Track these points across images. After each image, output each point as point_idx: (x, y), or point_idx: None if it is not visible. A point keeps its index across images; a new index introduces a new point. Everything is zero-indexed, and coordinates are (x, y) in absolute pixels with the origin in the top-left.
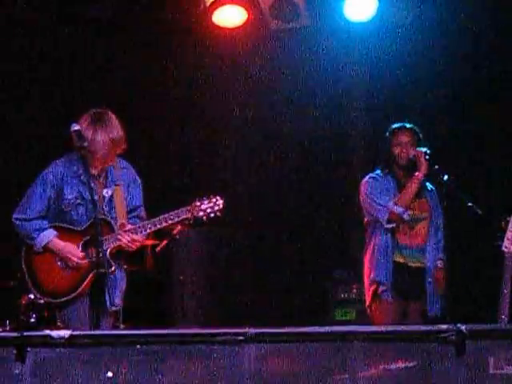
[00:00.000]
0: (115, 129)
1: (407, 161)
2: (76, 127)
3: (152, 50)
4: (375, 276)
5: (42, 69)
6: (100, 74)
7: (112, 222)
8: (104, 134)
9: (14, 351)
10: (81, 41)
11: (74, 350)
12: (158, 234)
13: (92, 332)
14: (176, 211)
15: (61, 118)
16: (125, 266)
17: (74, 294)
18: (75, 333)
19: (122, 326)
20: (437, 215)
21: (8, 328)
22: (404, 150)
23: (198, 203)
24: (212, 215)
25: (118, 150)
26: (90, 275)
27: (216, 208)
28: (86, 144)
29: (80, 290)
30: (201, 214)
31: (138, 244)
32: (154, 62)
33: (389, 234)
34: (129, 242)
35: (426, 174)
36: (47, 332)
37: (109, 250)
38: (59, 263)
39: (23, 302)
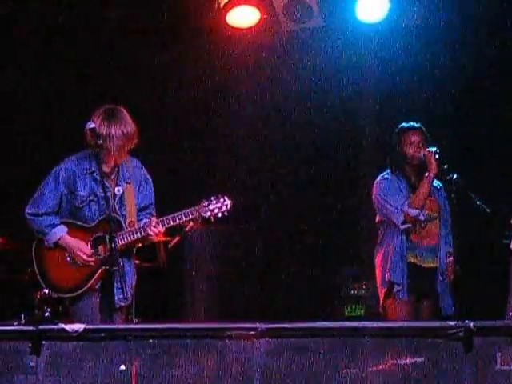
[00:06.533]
0: (128, 123)
1: (419, 160)
2: (91, 125)
3: (166, 49)
4: (390, 276)
5: (53, 67)
6: (113, 73)
7: (121, 219)
8: (118, 129)
9: (30, 344)
10: (94, 41)
11: (88, 343)
12: (170, 231)
13: (105, 326)
14: (184, 211)
15: (73, 115)
16: (137, 262)
17: (82, 290)
18: (89, 327)
19: (135, 320)
20: (446, 213)
21: (23, 322)
22: (416, 150)
23: (206, 203)
24: (219, 215)
25: (131, 144)
26: (99, 271)
27: (224, 208)
28: (100, 142)
29: (88, 285)
30: (208, 213)
31: (158, 237)
32: (167, 62)
33: (404, 235)
34: (156, 233)
35: (436, 173)
36: (62, 326)
37: (118, 247)
38: (69, 259)
39: (38, 296)
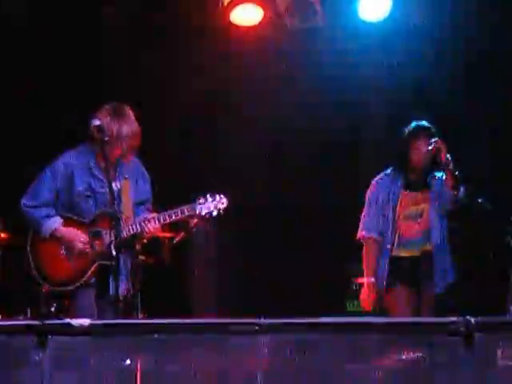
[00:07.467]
0: (134, 122)
1: (425, 165)
2: (97, 122)
3: (168, 48)
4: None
5: (57, 65)
6: (114, 71)
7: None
8: (128, 128)
9: (35, 339)
10: (93, 39)
11: (94, 338)
12: (175, 227)
13: (111, 321)
14: (180, 208)
15: (76, 111)
16: (142, 258)
17: (77, 284)
18: (95, 321)
19: (140, 316)
20: (440, 200)
21: (29, 316)
22: (422, 158)
23: (202, 200)
24: (215, 213)
25: (137, 143)
26: (94, 266)
27: (220, 206)
28: (106, 138)
29: (83, 280)
30: (204, 211)
31: (157, 233)
32: (170, 60)
33: (389, 230)
34: (151, 230)
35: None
36: (67, 320)
37: (115, 242)
38: (64, 252)
39: (44, 290)
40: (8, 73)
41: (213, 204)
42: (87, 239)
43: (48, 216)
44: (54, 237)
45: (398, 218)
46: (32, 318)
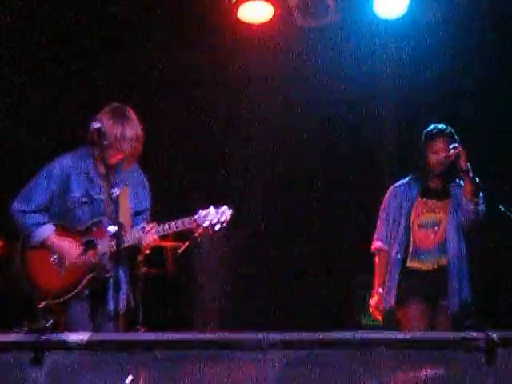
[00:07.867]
0: (138, 124)
1: (443, 169)
2: (97, 125)
3: (176, 45)
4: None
5: (62, 63)
6: (116, 72)
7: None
8: (131, 130)
9: (31, 355)
10: (100, 39)
11: (92, 354)
12: (179, 237)
13: (110, 337)
14: (182, 220)
15: (76, 112)
16: (145, 269)
17: (67, 296)
18: (93, 337)
19: (141, 330)
20: (459, 210)
21: (25, 331)
22: (440, 159)
23: (204, 212)
24: (218, 226)
25: (140, 147)
26: (87, 278)
27: (223, 219)
28: (106, 142)
29: (74, 292)
30: (206, 223)
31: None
32: (178, 58)
33: (402, 241)
34: (149, 242)
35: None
36: (65, 335)
37: (110, 253)
38: (54, 262)
39: (41, 304)
40: (7, 72)
41: (216, 217)
42: (80, 251)
43: (39, 223)
44: (45, 245)
45: (412, 226)
46: (28, 333)
